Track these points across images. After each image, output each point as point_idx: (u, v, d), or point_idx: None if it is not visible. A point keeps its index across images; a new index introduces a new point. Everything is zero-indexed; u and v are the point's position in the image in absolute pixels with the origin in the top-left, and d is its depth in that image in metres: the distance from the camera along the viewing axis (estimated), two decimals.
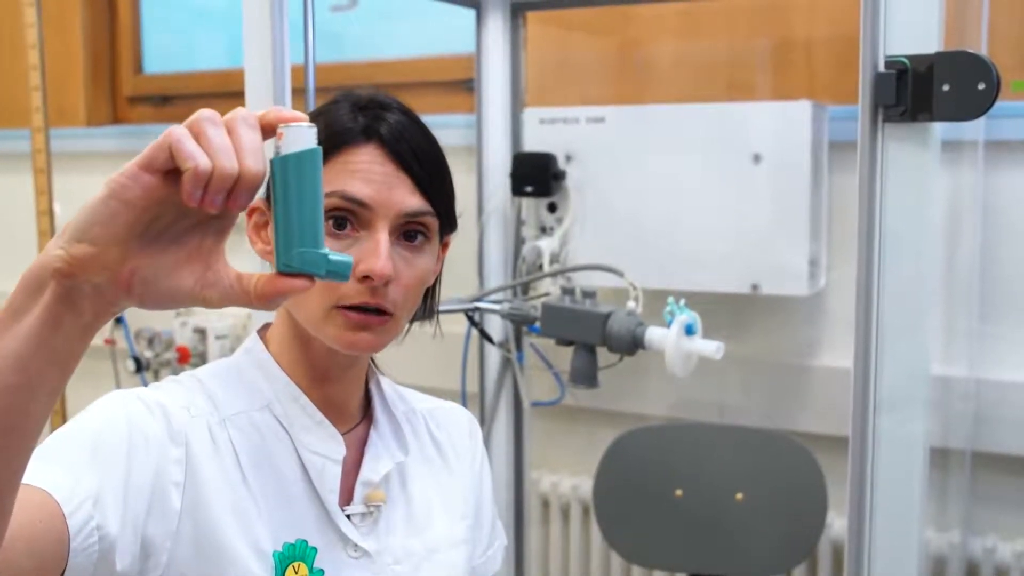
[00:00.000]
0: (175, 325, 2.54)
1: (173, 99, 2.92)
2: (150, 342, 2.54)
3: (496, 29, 2.09)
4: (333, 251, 0.70)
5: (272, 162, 0.69)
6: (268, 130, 0.69)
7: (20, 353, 0.65)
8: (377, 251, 0.96)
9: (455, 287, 1.96)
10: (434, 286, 1.11)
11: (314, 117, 1.03)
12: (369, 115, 1.00)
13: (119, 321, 2.58)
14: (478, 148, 2.12)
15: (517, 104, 2.13)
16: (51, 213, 2.55)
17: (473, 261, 2.12)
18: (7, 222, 2.83)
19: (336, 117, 1.00)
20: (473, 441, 1.21)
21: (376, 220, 0.97)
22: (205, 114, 0.66)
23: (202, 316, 2.55)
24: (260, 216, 1.05)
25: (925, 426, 1.22)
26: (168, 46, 2.98)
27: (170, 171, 0.65)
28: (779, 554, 1.90)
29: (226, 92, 2.70)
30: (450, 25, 2.37)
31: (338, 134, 0.99)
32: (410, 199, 0.98)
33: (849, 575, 1.22)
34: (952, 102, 1.14)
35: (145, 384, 2.29)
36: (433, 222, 1.01)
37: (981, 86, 1.13)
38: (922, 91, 1.15)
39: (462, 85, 2.37)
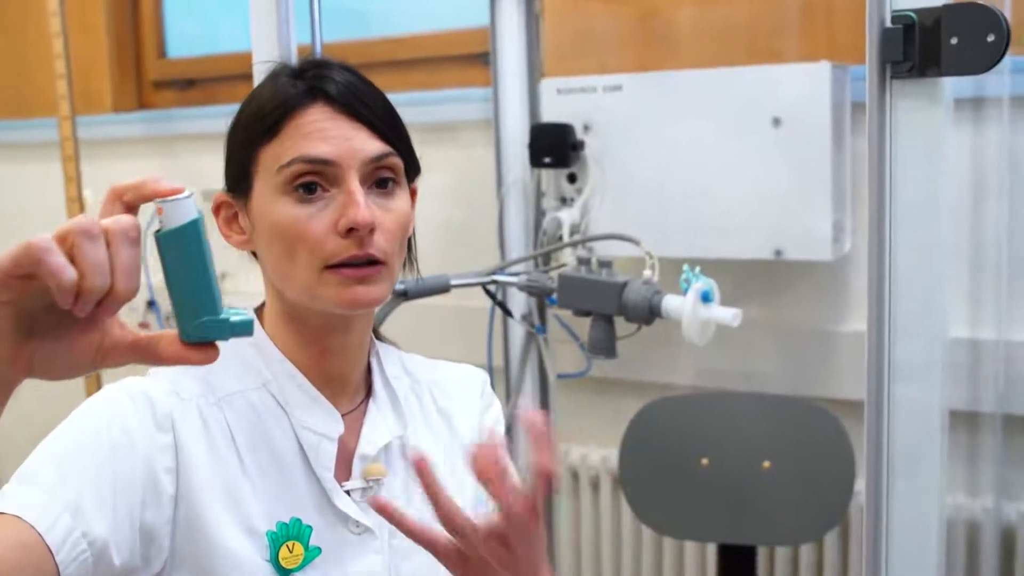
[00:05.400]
0: None
1: (197, 83, 2.93)
2: None
3: (510, 0, 2.07)
4: (231, 309, 0.70)
5: (156, 238, 0.69)
6: (146, 201, 0.69)
7: None
8: (354, 201, 0.96)
9: (476, 260, 1.96)
10: (411, 236, 1.10)
11: (257, 92, 1.04)
12: (309, 76, 1.00)
13: (151, 305, 2.61)
14: (495, 121, 2.10)
15: (534, 75, 2.11)
16: (80, 200, 2.58)
17: (494, 234, 2.11)
18: (38, 210, 2.86)
19: (278, 88, 1.00)
20: (484, 399, 1.18)
21: (344, 174, 0.97)
22: (82, 226, 0.64)
23: (231, 298, 2.56)
24: (228, 209, 1.04)
25: (942, 391, 1.19)
26: (191, 30, 2.99)
27: None
28: (809, 522, 1.87)
29: (249, 74, 2.71)
30: None
31: (283, 103, 0.99)
32: (371, 144, 0.98)
33: (867, 544, 1.20)
34: (961, 55, 1.10)
35: None
36: (398, 163, 1.01)
37: (991, 38, 1.09)
38: (930, 46, 1.11)
39: (478, 59, 2.35)
